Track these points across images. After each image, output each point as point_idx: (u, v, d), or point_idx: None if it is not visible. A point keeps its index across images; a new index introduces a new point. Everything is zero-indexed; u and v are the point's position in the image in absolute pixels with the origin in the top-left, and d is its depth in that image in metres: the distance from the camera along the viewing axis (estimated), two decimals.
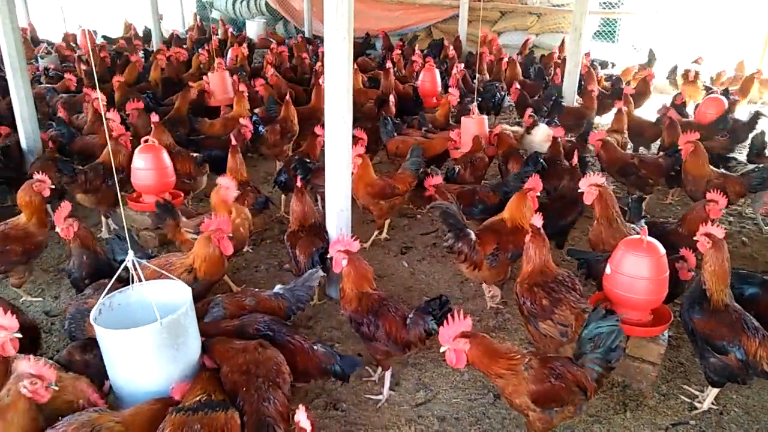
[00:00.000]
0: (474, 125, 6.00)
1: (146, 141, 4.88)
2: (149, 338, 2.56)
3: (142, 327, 2.55)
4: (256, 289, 3.50)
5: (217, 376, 2.70)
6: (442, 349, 2.64)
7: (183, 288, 2.88)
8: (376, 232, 5.15)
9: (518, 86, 7.96)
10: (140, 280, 2.82)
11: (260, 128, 6.24)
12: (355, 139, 4.84)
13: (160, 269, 3.14)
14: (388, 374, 3.32)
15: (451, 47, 10.87)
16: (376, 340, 3.18)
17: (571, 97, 7.84)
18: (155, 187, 4.84)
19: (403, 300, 4.27)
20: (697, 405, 3.24)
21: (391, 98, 7.26)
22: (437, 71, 8.33)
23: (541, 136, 6.18)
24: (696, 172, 5.23)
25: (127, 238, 3.32)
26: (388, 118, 6.25)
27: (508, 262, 4.04)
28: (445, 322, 2.66)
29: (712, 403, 3.23)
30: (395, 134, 6.17)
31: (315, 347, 3.02)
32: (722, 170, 5.45)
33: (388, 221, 5.23)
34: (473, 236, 3.97)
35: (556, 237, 4.72)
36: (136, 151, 4.83)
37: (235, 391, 2.61)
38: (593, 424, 3.14)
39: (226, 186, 4.02)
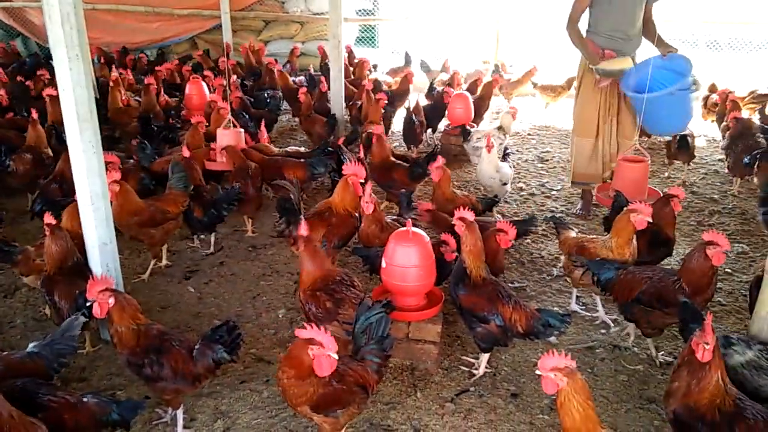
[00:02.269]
0: (228, 138, 5.76)
1: None
2: None
3: None
4: (5, 353, 3.01)
5: None
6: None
7: None
8: (153, 261, 4.78)
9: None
10: None
11: (4, 159, 5.36)
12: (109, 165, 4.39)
13: None
14: (180, 412, 3.10)
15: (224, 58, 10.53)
16: (163, 380, 2.95)
17: (338, 103, 8.14)
18: None
19: (191, 329, 4.05)
20: (474, 372, 3.59)
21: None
22: (204, 83, 8.02)
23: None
24: (378, 159, 5.72)
25: None
26: (145, 141, 5.77)
27: (334, 251, 4.38)
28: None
29: (486, 367, 3.60)
30: (157, 157, 5.74)
31: (84, 399, 2.70)
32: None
33: (165, 246, 4.89)
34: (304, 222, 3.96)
35: None
36: None
37: None
38: (389, 411, 3.30)
39: None
